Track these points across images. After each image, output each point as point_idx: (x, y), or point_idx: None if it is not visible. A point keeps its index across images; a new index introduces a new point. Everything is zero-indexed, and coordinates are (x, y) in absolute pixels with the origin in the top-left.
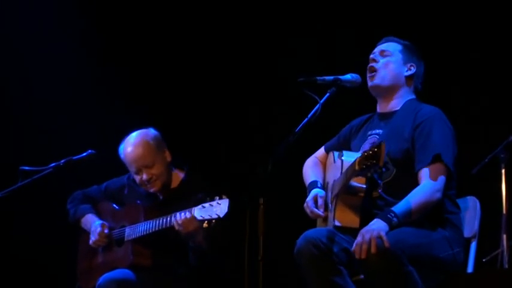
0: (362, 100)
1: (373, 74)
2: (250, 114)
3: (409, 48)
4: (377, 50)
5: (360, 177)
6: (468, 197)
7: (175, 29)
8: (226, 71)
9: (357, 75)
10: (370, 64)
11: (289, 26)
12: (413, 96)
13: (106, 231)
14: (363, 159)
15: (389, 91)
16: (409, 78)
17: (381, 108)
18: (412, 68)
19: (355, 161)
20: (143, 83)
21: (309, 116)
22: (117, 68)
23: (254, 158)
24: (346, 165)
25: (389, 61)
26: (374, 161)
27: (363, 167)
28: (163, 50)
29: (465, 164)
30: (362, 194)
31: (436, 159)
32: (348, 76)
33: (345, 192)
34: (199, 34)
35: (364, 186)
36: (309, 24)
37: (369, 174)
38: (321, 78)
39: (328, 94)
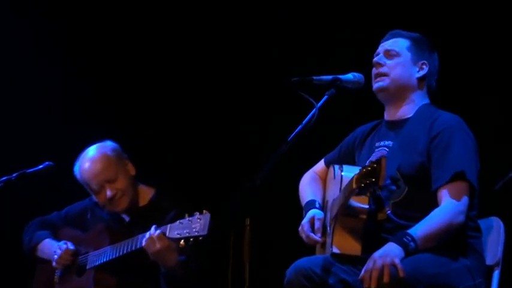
0: (367, 103)
1: (378, 79)
2: (235, 118)
3: (419, 41)
4: (381, 49)
5: (362, 196)
6: (490, 218)
7: (141, 32)
8: (203, 69)
9: (360, 74)
10: (375, 70)
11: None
12: (427, 101)
13: (72, 247)
14: (361, 176)
15: (398, 96)
16: (421, 79)
17: (389, 115)
18: (424, 66)
19: (352, 178)
20: (107, 90)
21: (304, 122)
22: (79, 77)
23: (239, 171)
24: (345, 182)
25: (397, 63)
26: (373, 179)
27: (360, 186)
28: (128, 52)
29: (486, 179)
30: (364, 216)
31: (458, 176)
32: (350, 76)
33: (344, 214)
34: (167, 36)
35: (367, 206)
36: (303, 15)
37: (368, 194)
38: (318, 78)
39: (326, 96)
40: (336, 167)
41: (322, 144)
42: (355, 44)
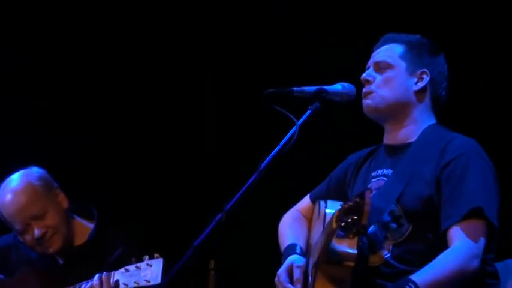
0: (363, 120)
1: (367, 97)
2: (197, 139)
3: (416, 45)
4: (371, 61)
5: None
6: (509, 261)
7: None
8: (158, 80)
9: (350, 85)
10: (363, 88)
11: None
12: (433, 120)
13: None
14: (341, 213)
15: (395, 116)
16: (421, 92)
17: (388, 138)
18: (424, 76)
19: (332, 215)
20: (36, 103)
21: (281, 144)
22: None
23: (202, 202)
24: (328, 220)
25: (388, 77)
26: (355, 217)
27: (341, 225)
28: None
29: (503, 213)
30: (351, 264)
31: (474, 213)
32: (338, 86)
33: (327, 261)
34: (119, 50)
35: (354, 251)
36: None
37: (350, 236)
38: (299, 89)
39: (309, 112)
40: (322, 203)
41: (307, 171)
42: (346, 48)
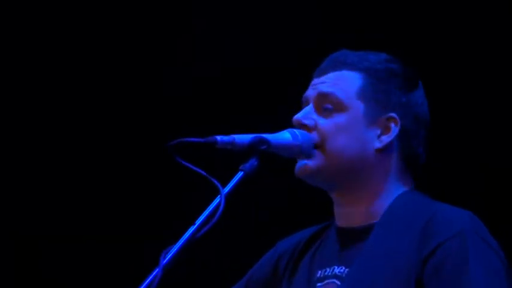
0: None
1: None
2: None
3: (382, 75)
4: (311, 93)
5: None
6: None
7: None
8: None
9: (304, 133)
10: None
11: None
12: (407, 186)
13: None
14: None
15: (347, 184)
16: (385, 150)
17: (340, 218)
18: (391, 124)
19: None
20: None
21: (198, 223)
22: None
23: None
24: None
25: (337, 126)
26: None
27: None
28: None
29: None
30: None
31: None
32: (286, 135)
33: None
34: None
35: None
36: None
37: None
38: (224, 139)
39: (241, 173)
40: None
41: (234, 259)
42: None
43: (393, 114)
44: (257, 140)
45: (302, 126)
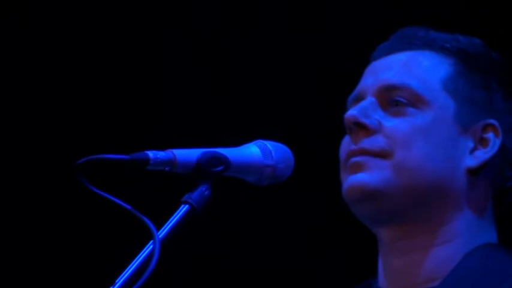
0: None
1: (361, 165)
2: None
3: (487, 63)
4: (370, 83)
5: None
6: None
7: None
8: None
9: (283, 146)
10: (350, 143)
11: None
12: (492, 235)
13: None
14: None
15: (419, 214)
16: (479, 172)
17: (390, 272)
18: (491, 135)
19: None
20: None
21: (126, 274)
22: None
23: None
24: None
25: (415, 126)
26: None
27: None
28: None
29: None
30: None
31: None
32: (254, 149)
33: None
34: None
35: None
36: None
37: None
38: (161, 156)
39: (186, 207)
40: None
41: None
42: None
43: (494, 122)
44: (209, 158)
45: (359, 127)
